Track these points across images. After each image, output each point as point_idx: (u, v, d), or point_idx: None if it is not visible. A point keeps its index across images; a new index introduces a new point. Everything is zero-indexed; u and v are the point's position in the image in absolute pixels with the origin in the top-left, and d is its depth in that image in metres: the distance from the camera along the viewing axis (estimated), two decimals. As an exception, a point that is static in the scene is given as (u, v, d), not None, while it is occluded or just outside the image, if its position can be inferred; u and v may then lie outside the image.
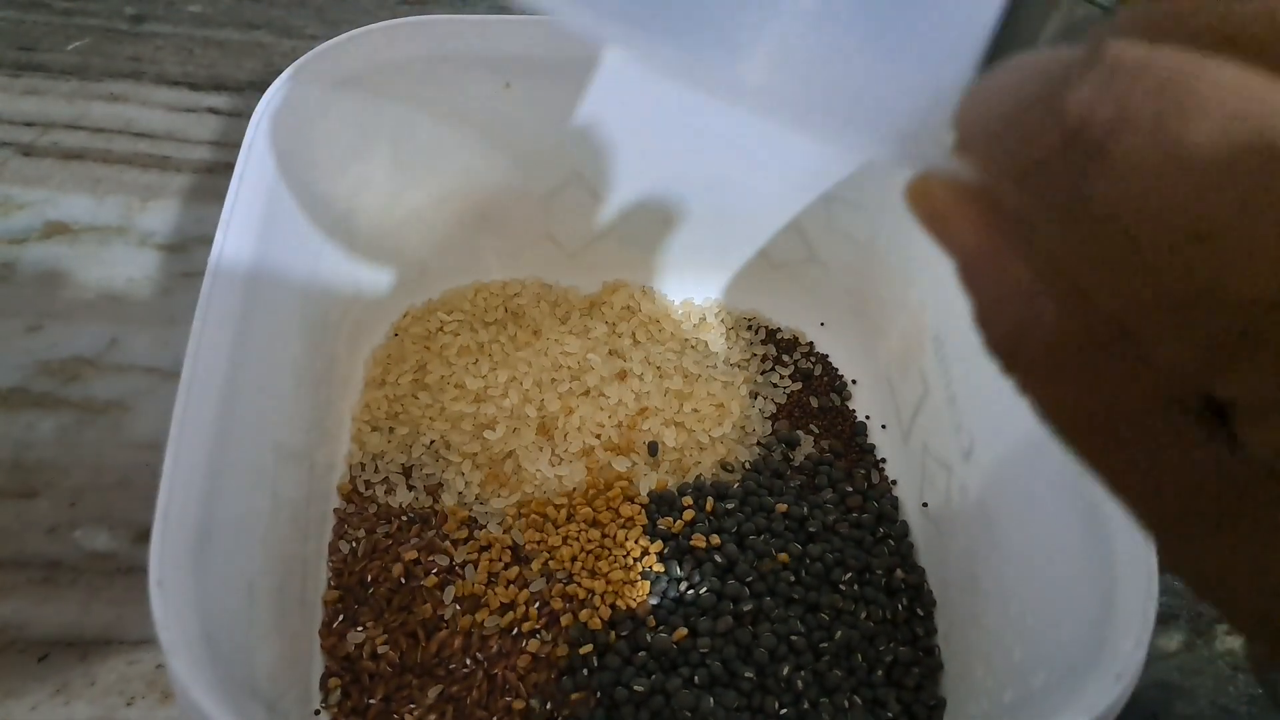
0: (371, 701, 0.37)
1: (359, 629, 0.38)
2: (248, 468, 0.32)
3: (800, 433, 0.46)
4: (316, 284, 0.40)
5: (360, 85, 0.39)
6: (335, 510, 0.42)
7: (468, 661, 0.38)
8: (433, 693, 0.37)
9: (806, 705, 0.37)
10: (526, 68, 0.40)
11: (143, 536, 0.42)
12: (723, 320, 0.50)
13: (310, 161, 0.38)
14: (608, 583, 0.39)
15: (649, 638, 0.38)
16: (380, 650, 0.38)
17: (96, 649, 0.40)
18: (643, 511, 0.42)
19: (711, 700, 0.36)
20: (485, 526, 0.41)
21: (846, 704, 0.37)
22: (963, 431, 0.40)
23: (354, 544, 0.41)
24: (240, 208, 0.33)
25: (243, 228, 0.32)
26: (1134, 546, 0.28)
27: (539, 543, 0.41)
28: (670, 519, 0.41)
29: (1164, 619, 0.44)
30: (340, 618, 0.39)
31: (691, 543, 0.41)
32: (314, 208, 0.39)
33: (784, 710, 0.37)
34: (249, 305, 0.32)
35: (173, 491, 0.27)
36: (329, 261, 0.41)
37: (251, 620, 0.31)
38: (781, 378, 0.48)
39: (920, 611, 0.40)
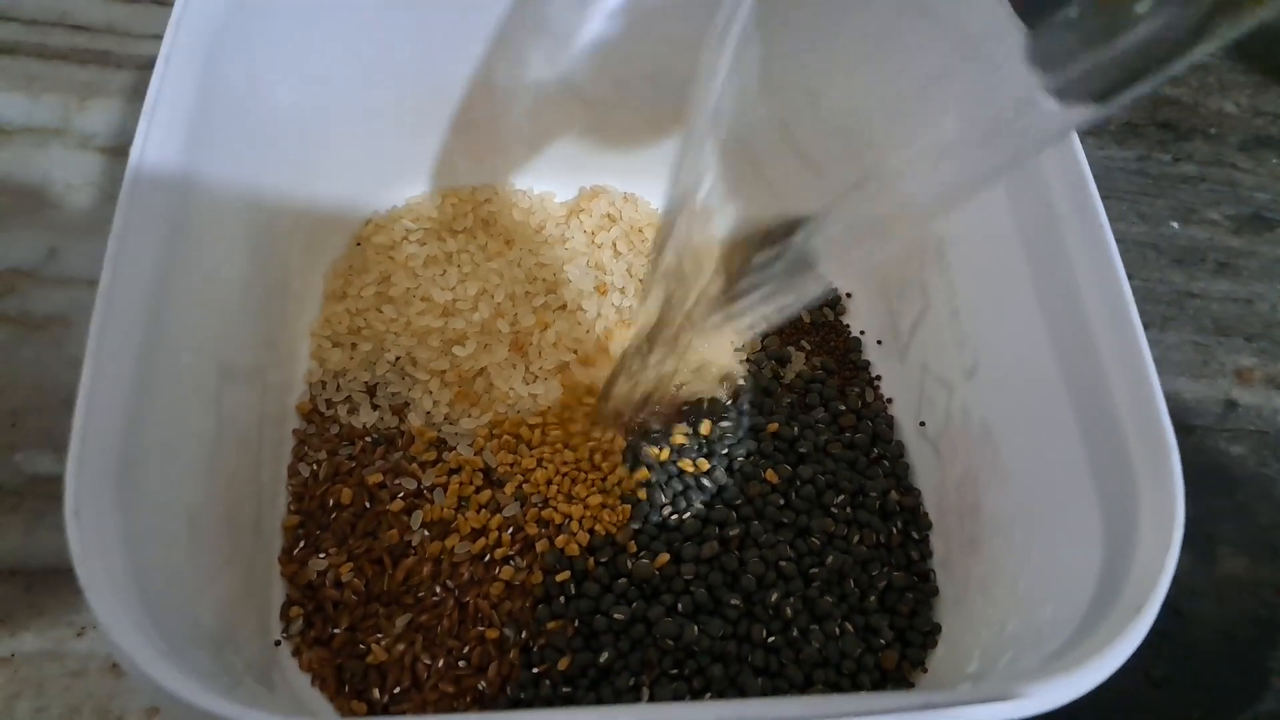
0: (336, 631, 0.35)
1: (321, 555, 0.36)
2: (184, 387, 0.29)
3: (791, 349, 0.43)
4: (262, 189, 0.37)
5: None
6: (295, 431, 0.39)
7: (437, 589, 0.36)
8: (401, 621, 0.35)
9: (796, 633, 0.35)
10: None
11: (89, 460, 0.39)
12: (710, 230, 0.47)
13: (247, 53, 0.34)
14: (585, 507, 0.37)
15: (629, 564, 0.36)
16: (345, 578, 0.36)
17: (42, 578, 0.37)
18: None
19: (696, 629, 0.34)
20: (455, 448, 0.39)
21: (838, 631, 0.35)
22: (966, 347, 0.37)
23: (315, 466, 0.38)
24: (165, 102, 0.29)
25: (169, 125, 0.29)
26: (1157, 468, 0.26)
27: (512, 465, 0.38)
28: (655, 449, 0.39)
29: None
30: (301, 544, 0.37)
31: (679, 465, 0.38)
32: (255, 105, 0.35)
33: (772, 639, 0.35)
34: (179, 210, 0.29)
35: (91, 410, 0.24)
36: (275, 165, 0.37)
37: (194, 552, 0.28)
38: (772, 291, 0.45)
39: (915, 535, 0.38)
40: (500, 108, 0.43)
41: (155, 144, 0.28)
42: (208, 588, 0.29)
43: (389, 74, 0.40)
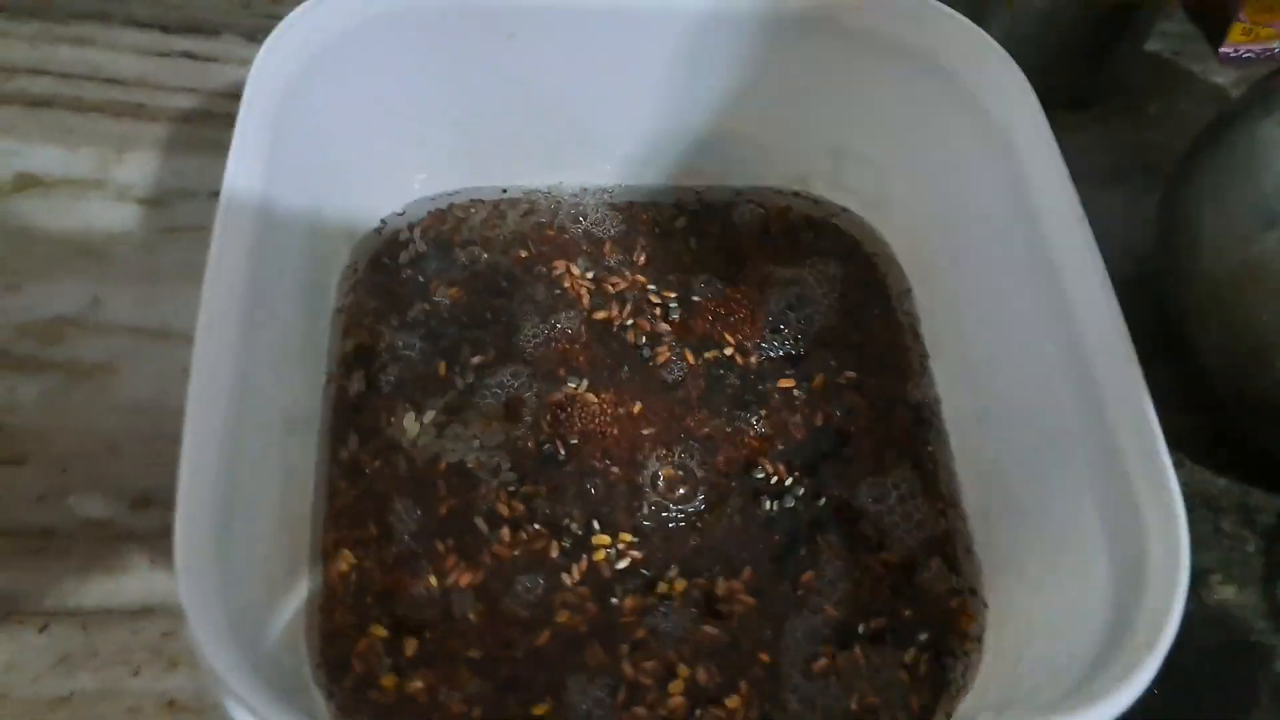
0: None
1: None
2: (261, 441, 0.31)
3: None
4: (313, 248, 0.39)
5: (358, 37, 0.37)
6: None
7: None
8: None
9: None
10: (530, 18, 0.38)
11: (139, 503, 0.41)
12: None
13: (305, 118, 0.36)
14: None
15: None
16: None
17: (97, 619, 0.39)
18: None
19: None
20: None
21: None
22: (979, 393, 0.39)
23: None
24: (246, 147, 0.31)
25: (249, 170, 0.31)
26: (1162, 508, 0.28)
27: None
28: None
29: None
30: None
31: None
32: (309, 168, 0.37)
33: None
34: (255, 272, 0.31)
35: (194, 473, 0.26)
36: (325, 223, 0.40)
37: (271, 598, 0.30)
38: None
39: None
40: (529, 166, 0.46)
41: (234, 213, 0.31)
42: (285, 632, 0.31)
43: (430, 139, 0.42)
